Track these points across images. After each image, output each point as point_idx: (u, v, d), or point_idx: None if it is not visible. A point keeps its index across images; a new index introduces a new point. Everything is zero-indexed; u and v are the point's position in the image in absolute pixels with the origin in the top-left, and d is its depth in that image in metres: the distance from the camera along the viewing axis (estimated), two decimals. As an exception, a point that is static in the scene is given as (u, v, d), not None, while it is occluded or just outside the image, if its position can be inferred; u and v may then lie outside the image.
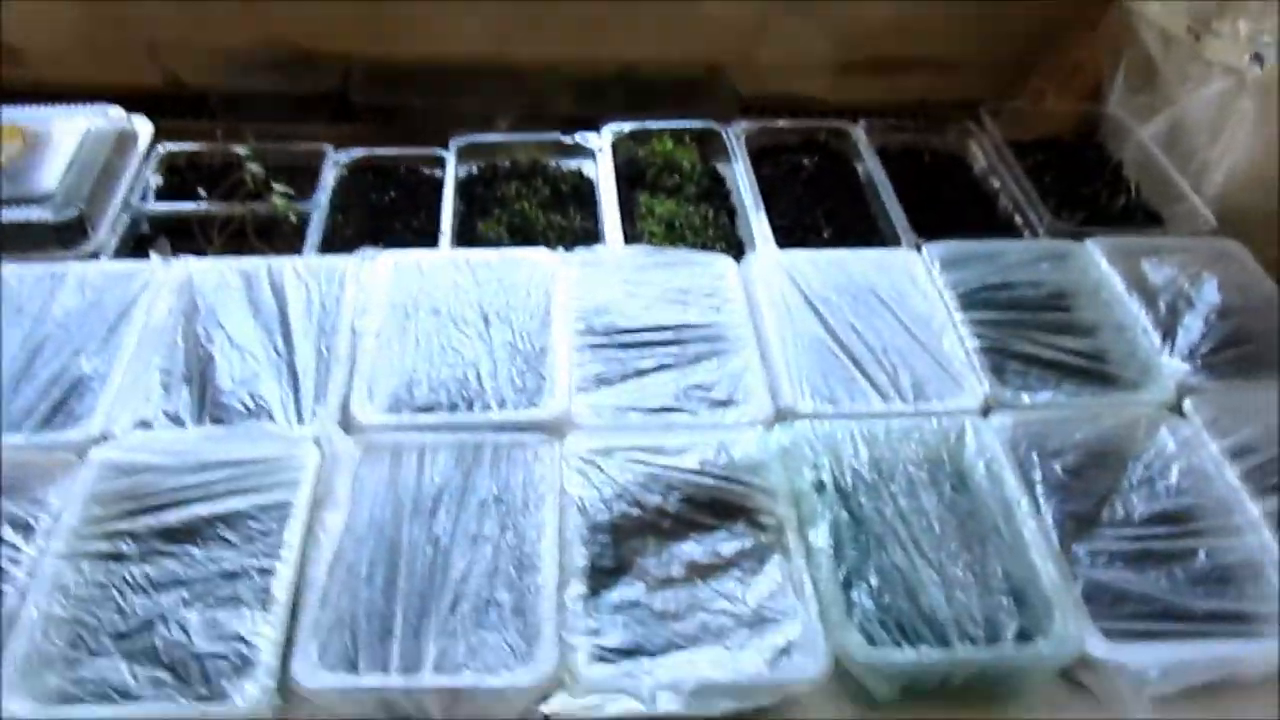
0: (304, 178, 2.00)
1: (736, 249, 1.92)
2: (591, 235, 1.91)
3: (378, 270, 1.70)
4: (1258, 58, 2.10)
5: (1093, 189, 2.08)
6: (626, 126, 2.14)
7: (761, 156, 2.15)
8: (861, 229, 1.98)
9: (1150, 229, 2.00)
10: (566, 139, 2.13)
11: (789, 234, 1.95)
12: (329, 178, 2.01)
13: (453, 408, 1.49)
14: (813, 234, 1.96)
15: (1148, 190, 2.11)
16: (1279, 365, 1.65)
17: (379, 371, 1.53)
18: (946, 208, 2.03)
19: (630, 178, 2.08)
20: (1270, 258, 2.05)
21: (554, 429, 1.47)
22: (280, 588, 1.26)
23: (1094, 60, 2.46)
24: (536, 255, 1.75)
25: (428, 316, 1.62)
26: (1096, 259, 1.82)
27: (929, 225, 1.93)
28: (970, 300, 1.72)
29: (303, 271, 1.67)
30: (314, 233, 1.86)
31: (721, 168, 2.13)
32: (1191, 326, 1.70)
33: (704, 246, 1.90)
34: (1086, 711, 1.29)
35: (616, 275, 1.72)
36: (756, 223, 1.92)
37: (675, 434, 1.47)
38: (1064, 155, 2.19)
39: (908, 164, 2.14)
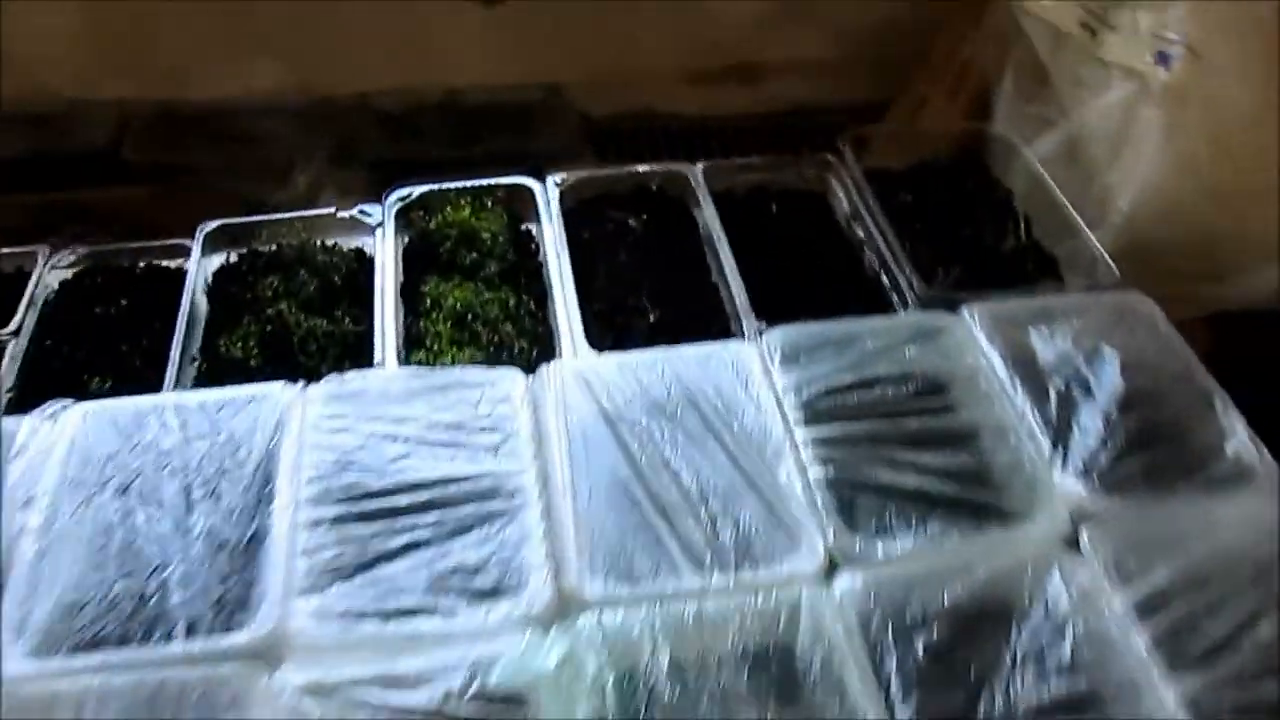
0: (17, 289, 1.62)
1: (545, 345, 1.56)
2: (364, 343, 1.54)
3: (62, 431, 1.33)
4: (1163, 58, 1.75)
5: (975, 229, 1.73)
6: (415, 190, 1.76)
7: (583, 213, 1.78)
8: (698, 307, 1.62)
9: (1043, 281, 1.66)
10: (344, 214, 1.75)
11: (608, 321, 1.60)
12: (41, 290, 1.62)
13: (125, 639, 1.13)
14: (638, 317, 1.61)
15: (1041, 226, 1.77)
16: (1194, 471, 1.32)
17: (37, 591, 1.17)
18: (800, 270, 1.68)
19: (422, 256, 1.71)
20: (1182, 308, 1.72)
21: (262, 656, 1.12)
22: None
23: (983, 59, 2.10)
24: (270, 391, 1.38)
25: (112, 499, 1.25)
26: (975, 334, 1.48)
27: (776, 298, 1.58)
28: (816, 410, 1.38)
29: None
30: (5, 374, 1.48)
31: (538, 231, 1.76)
32: (1089, 424, 1.36)
33: (500, 349, 1.54)
34: None
35: (371, 411, 1.36)
36: (564, 312, 1.56)
37: (419, 650, 1.12)
38: (943, 185, 1.84)
39: (758, 212, 1.78)
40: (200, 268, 1.68)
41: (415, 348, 1.57)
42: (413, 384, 1.40)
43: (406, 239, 1.75)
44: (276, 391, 1.39)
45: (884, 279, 1.65)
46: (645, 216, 1.75)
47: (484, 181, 1.79)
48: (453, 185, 1.79)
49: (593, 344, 1.52)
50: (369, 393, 1.39)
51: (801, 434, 1.34)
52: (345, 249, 1.76)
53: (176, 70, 2.34)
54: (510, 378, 1.41)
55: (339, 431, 1.34)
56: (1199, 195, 1.77)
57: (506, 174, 2.29)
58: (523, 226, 1.81)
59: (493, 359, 1.53)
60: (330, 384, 1.40)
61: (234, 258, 1.74)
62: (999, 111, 1.99)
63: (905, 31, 2.36)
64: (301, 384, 1.40)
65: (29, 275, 1.65)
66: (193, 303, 1.60)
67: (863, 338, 1.47)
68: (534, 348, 1.56)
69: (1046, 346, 1.47)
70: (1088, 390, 1.41)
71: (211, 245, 1.73)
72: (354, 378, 1.41)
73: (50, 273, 1.67)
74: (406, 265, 1.71)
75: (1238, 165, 1.75)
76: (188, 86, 2.39)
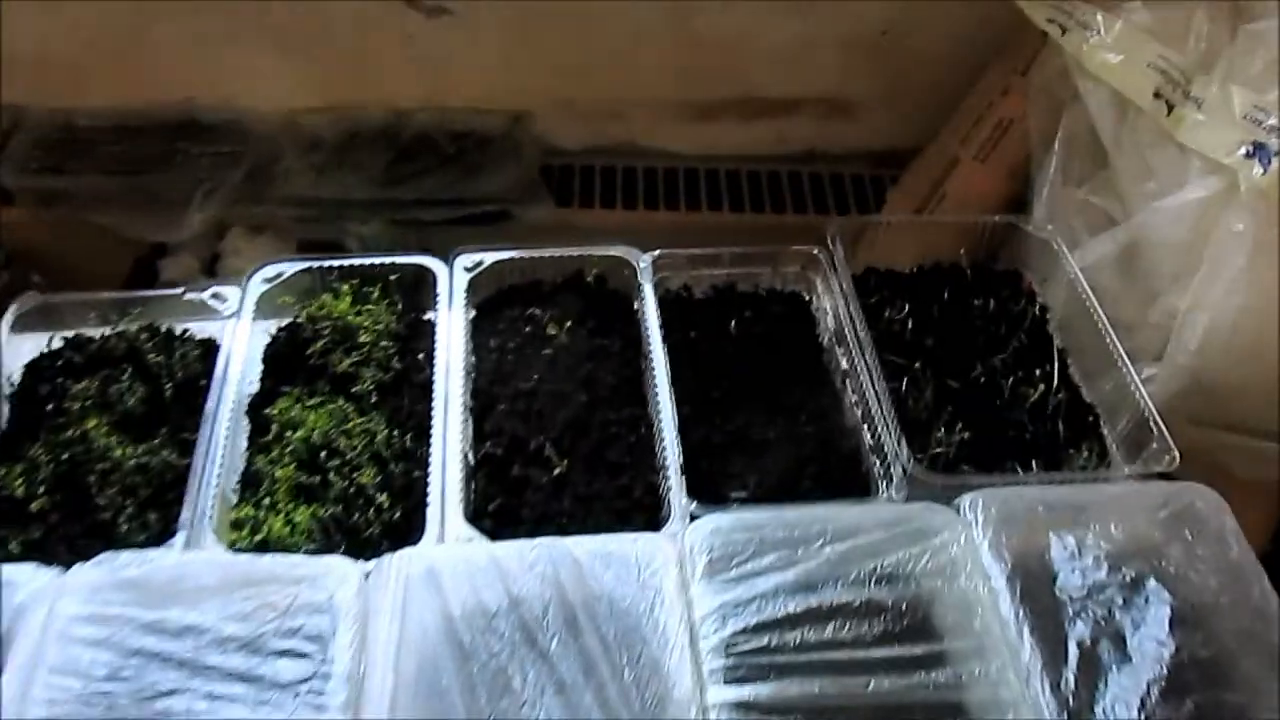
0: None
1: (415, 506, 1.19)
2: (183, 485, 1.19)
3: None
4: (1259, 151, 1.33)
5: (992, 365, 1.33)
6: (286, 269, 1.39)
7: (495, 309, 1.41)
8: (620, 459, 1.25)
9: (1077, 451, 1.26)
10: (195, 295, 1.38)
11: (500, 472, 1.23)
12: None
13: None
14: (539, 469, 1.23)
15: (1081, 362, 1.37)
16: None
17: None
18: (761, 414, 1.29)
19: (287, 359, 1.35)
20: (1254, 469, 1.32)
21: None
22: None
23: (1026, 122, 1.68)
24: (14, 575, 1.03)
25: None
26: (976, 541, 1.09)
27: (723, 457, 1.20)
28: (741, 656, 1.01)
29: None
30: None
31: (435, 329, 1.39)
32: (1119, 708, 0.97)
33: (353, 507, 1.18)
34: None
35: (145, 615, 1.01)
36: (439, 458, 1.19)
37: None
38: (957, 297, 1.43)
39: (718, 322, 1.40)
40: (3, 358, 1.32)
41: (248, 495, 1.21)
42: (206, 579, 1.04)
43: (273, 334, 1.39)
44: (24, 576, 1.03)
45: (866, 435, 1.25)
46: (570, 323, 1.36)
47: (374, 260, 1.42)
48: (335, 263, 1.41)
49: (471, 512, 1.16)
50: (149, 584, 1.03)
51: (715, 696, 0.97)
52: (197, 339, 1.39)
53: (70, 74, 1.98)
54: (339, 574, 1.05)
55: (93, 646, 0.99)
56: (1292, 335, 1.35)
57: (432, 229, 1.94)
58: (425, 316, 1.43)
59: (342, 521, 1.17)
60: (99, 569, 1.04)
61: (57, 343, 1.38)
62: (1039, 194, 1.57)
63: (930, 68, 1.94)
64: (56, 570, 1.04)
65: None
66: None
67: (822, 538, 1.09)
68: (398, 507, 1.20)
69: (1072, 568, 1.08)
70: (1123, 647, 1.01)
71: (28, 325, 1.37)
72: (131, 561, 1.05)
73: None
74: (268, 370, 1.34)
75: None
76: (88, 93, 2.03)
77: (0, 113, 1.98)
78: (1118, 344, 1.30)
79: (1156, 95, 1.45)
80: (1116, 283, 1.45)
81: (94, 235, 1.94)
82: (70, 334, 1.40)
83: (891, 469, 1.19)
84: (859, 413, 1.28)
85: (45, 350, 1.38)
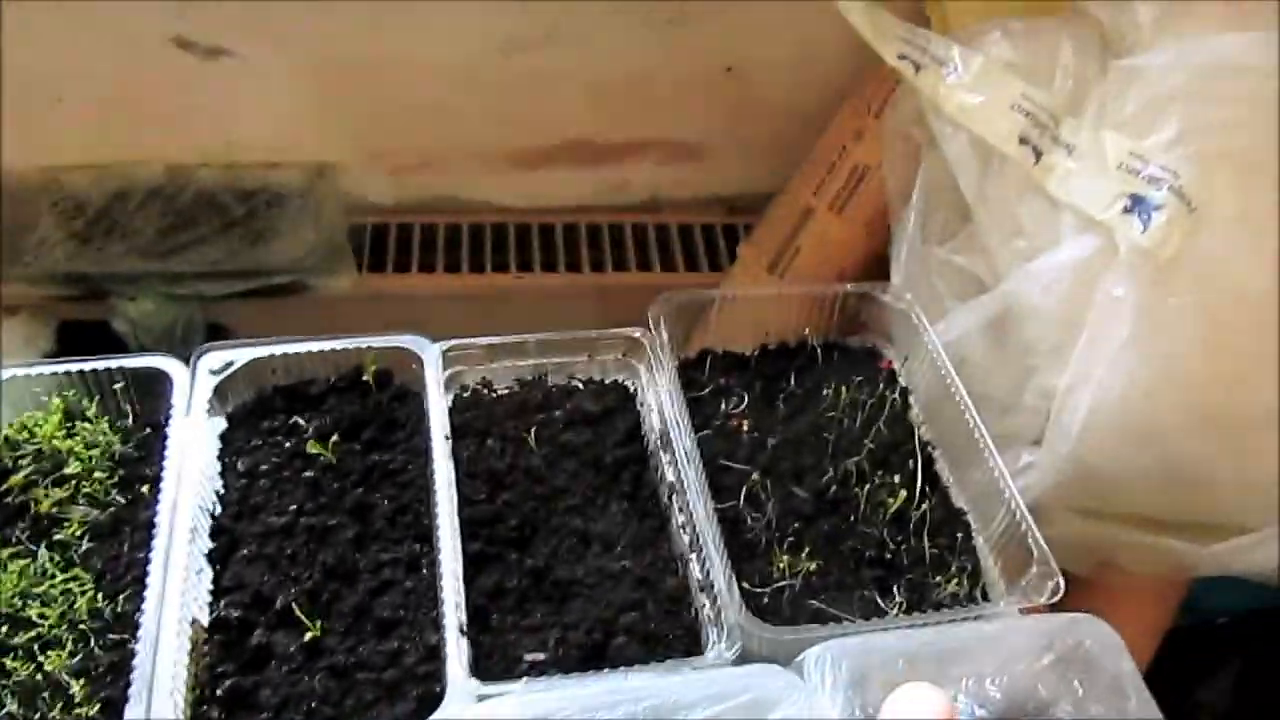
0: None
1: (118, 700, 0.92)
2: None
3: None
4: (1139, 205, 1.16)
5: (844, 466, 1.12)
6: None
7: (253, 419, 1.15)
8: (385, 627, 0.99)
9: (944, 571, 1.05)
10: None
11: (235, 640, 0.96)
12: None
13: None
14: (285, 635, 0.97)
15: (951, 456, 1.16)
16: None
17: None
18: (573, 546, 1.05)
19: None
20: (1147, 567, 1.15)
21: None
22: None
23: (881, 169, 1.48)
24: None
25: None
26: (821, 712, 0.86)
27: (522, 612, 0.97)
28: None
29: None
30: None
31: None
32: None
33: (38, 702, 0.90)
34: None
35: None
36: (152, 633, 0.93)
37: None
38: (804, 381, 1.22)
39: (523, 426, 1.15)
40: None
41: (-103, 691, 0.92)
42: None
43: (-38, 462, 1.10)
44: None
45: (695, 568, 1.02)
46: (337, 436, 1.10)
47: (93, 364, 1.14)
48: (41, 370, 1.13)
49: (194, 698, 0.89)
50: None
51: None
52: None
53: None
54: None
55: None
56: (1184, 415, 1.17)
57: (218, 303, 1.67)
58: (163, 430, 1.16)
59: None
60: None
61: None
62: (898, 255, 1.38)
63: (792, 111, 1.75)
64: None
65: None
66: None
67: (631, 722, 0.85)
68: (99, 697, 0.92)
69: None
70: None
71: None
72: None
73: None
74: (-54, 511, 1.06)
75: (1241, 376, 1.15)
76: None
77: None
78: (985, 434, 1.09)
79: (1022, 141, 1.27)
80: (988, 357, 1.26)
81: None
82: None
83: (723, 614, 0.96)
84: (685, 539, 1.05)
85: None
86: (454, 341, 1.18)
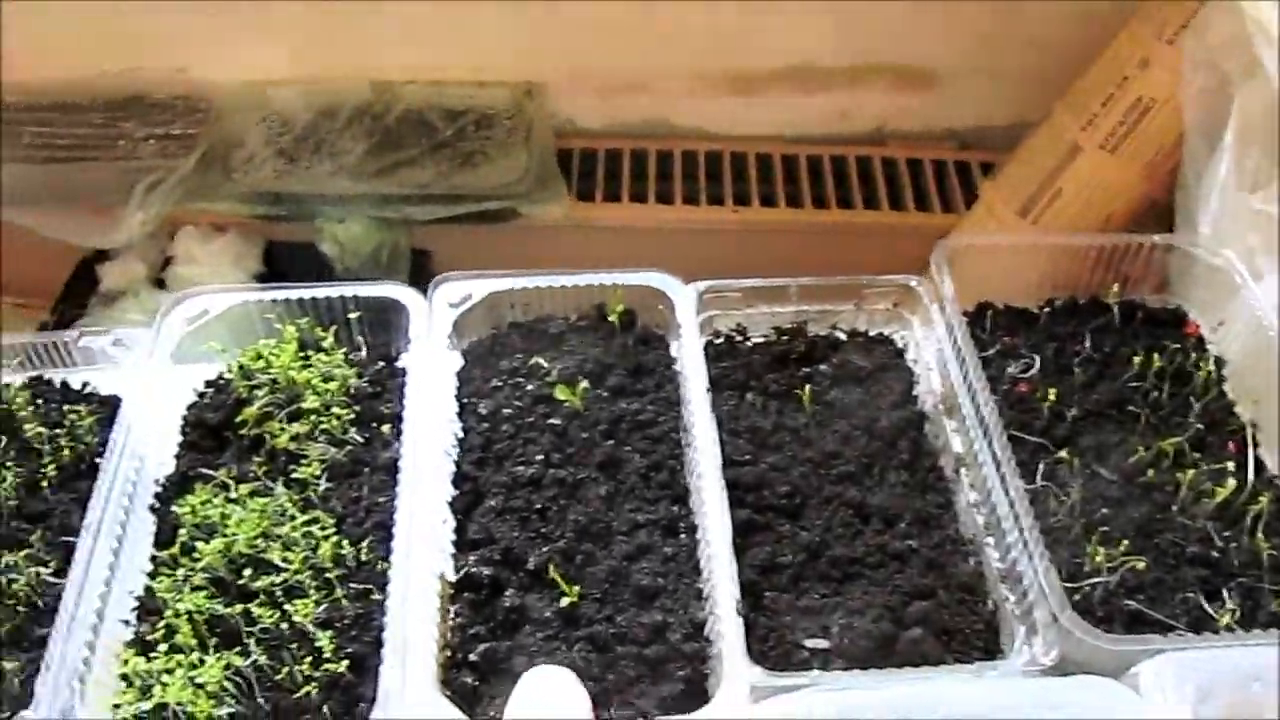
0: None
1: (372, 649, 0.86)
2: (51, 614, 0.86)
3: None
4: None
5: (1155, 445, 0.97)
6: (215, 304, 1.05)
7: (495, 357, 1.06)
8: (651, 581, 0.90)
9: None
10: (91, 342, 1.05)
11: (485, 601, 0.89)
12: None
13: None
14: (539, 598, 0.89)
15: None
16: None
17: None
18: (849, 518, 0.94)
19: (211, 429, 1.01)
20: None
21: None
22: None
23: (1175, 100, 1.31)
24: None
25: None
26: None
27: (796, 592, 0.87)
28: None
29: None
30: None
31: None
32: None
33: (280, 655, 0.84)
34: None
35: None
36: (403, 578, 0.86)
37: None
38: (1102, 345, 1.07)
39: (785, 380, 1.04)
40: None
41: (144, 630, 0.88)
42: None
43: (197, 392, 1.05)
44: None
45: (991, 553, 0.90)
46: (586, 380, 1.01)
47: (328, 292, 1.07)
48: (277, 296, 1.07)
49: (446, 660, 0.82)
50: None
51: None
52: (100, 396, 1.07)
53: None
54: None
55: None
56: None
57: (426, 229, 1.60)
58: (397, 364, 1.09)
59: (268, 674, 0.84)
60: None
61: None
62: (1205, 203, 1.20)
63: (1057, 32, 1.56)
64: None
65: None
66: None
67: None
68: (345, 653, 0.86)
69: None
70: None
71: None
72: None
73: None
74: (186, 444, 1.02)
75: None
76: (15, 62, 1.69)
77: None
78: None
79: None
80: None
81: (29, 233, 1.61)
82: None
83: (1034, 611, 0.83)
84: (979, 519, 0.92)
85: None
86: (710, 282, 1.07)
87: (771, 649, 0.86)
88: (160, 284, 1.61)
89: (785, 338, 1.08)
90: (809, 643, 0.86)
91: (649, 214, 1.65)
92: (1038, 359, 1.05)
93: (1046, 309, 1.10)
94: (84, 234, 1.57)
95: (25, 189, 1.57)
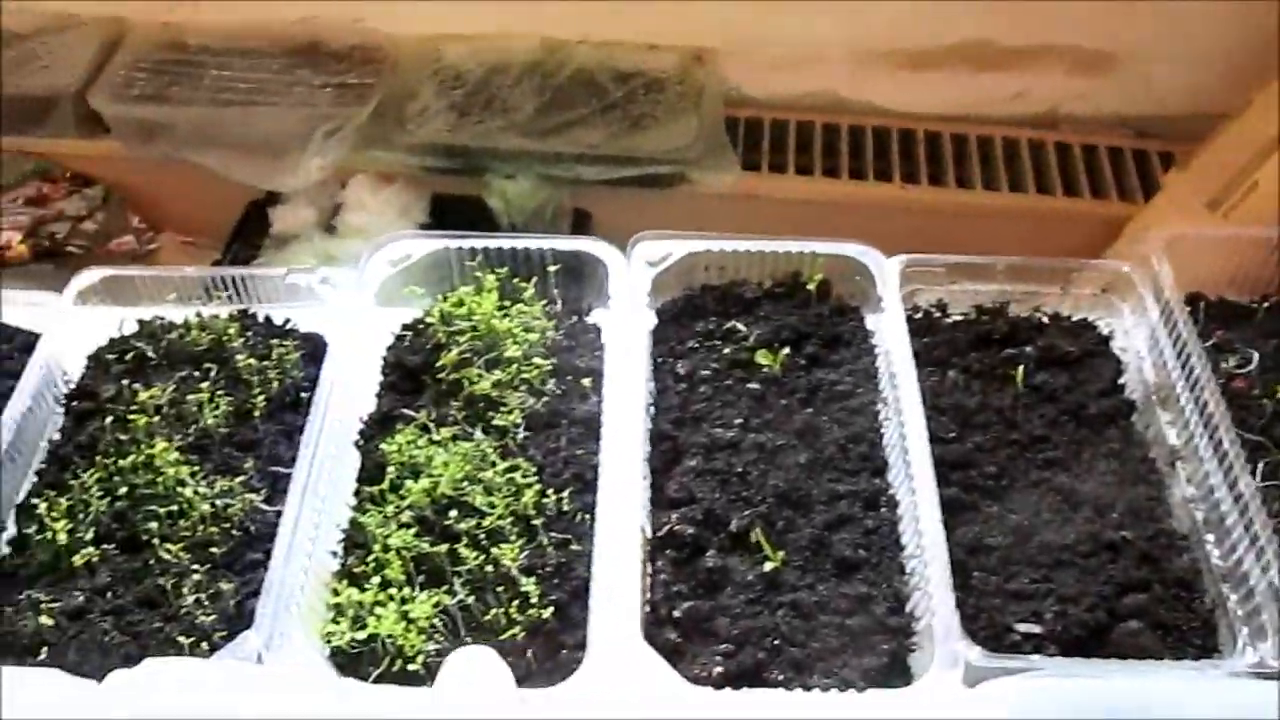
0: None
1: (580, 600, 0.87)
2: (268, 536, 0.88)
3: None
4: None
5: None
6: (417, 248, 1.07)
7: (689, 318, 1.06)
8: (852, 552, 0.89)
9: None
10: (298, 279, 1.07)
11: (686, 559, 0.89)
12: None
13: None
14: (741, 560, 0.89)
15: None
16: None
17: None
18: (1058, 504, 0.92)
19: (409, 371, 1.03)
20: None
21: None
22: None
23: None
24: None
25: None
26: None
27: (1006, 572, 0.85)
28: None
29: None
30: None
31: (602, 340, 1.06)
32: None
33: (486, 597, 0.86)
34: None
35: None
36: (605, 564, 0.86)
37: None
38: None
39: (988, 360, 1.02)
40: (56, 343, 1.03)
41: (352, 562, 0.90)
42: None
43: (396, 334, 1.07)
44: (37, 696, 0.73)
45: (1211, 550, 0.87)
46: (785, 347, 1.00)
47: (529, 243, 1.08)
48: (479, 244, 1.08)
49: (653, 626, 0.83)
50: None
51: None
52: (301, 333, 1.09)
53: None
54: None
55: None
56: None
57: (591, 189, 1.60)
58: (589, 320, 1.09)
59: (475, 614, 0.85)
60: (135, 691, 0.74)
61: (130, 325, 1.09)
62: None
63: (1259, 14, 1.50)
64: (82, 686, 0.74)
65: None
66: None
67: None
68: (550, 599, 0.87)
69: None
70: None
71: (96, 300, 1.08)
72: (181, 680, 0.74)
73: None
74: (387, 384, 1.03)
75: None
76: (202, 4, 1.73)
77: (102, 25, 1.69)
78: None
79: None
80: None
81: (200, 174, 1.65)
82: (145, 315, 1.10)
83: (1261, 612, 0.81)
84: (1198, 515, 0.89)
85: (114, 336, 1.08)
86: (914, 256, 1.05)
87: (982, 629, 0.84)
88: (330, 229, 1.64)
89: (986, 317, 1.06)
90: (1021, 627, 0.85)
91: (815, 187, 1.63)
92: (1256, 355, 1.01)
93: (1264, 304, 1.06)
94: (262, 177, 1.61)
95: (205, 131, 1.61)
